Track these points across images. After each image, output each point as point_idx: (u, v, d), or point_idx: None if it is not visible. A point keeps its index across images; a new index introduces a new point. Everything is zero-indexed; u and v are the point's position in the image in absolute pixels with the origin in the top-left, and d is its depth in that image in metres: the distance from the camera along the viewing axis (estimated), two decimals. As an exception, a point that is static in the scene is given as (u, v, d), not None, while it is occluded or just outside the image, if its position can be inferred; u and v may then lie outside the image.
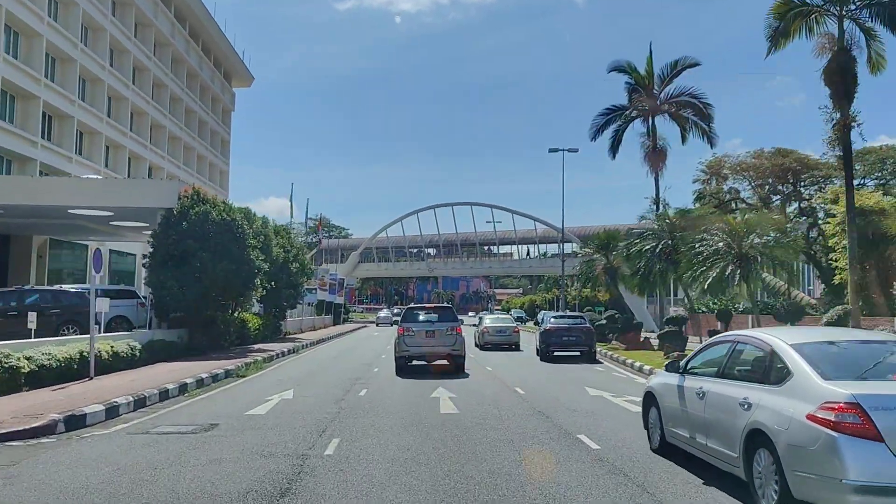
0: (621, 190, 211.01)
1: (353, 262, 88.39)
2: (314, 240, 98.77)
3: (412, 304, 31.75)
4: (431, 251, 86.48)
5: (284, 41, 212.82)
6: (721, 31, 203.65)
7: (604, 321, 32.87)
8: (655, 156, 36.42)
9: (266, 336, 31.60)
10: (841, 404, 5.29)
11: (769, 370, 6.36)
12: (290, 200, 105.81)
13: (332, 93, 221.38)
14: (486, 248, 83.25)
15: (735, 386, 6.74)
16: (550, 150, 47.18)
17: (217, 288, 22.69)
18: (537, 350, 26.19)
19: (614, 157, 39.11)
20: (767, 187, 45.48)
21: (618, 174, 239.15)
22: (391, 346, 22.37)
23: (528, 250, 79.41)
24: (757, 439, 6.01)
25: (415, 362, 19.38)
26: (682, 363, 8.20)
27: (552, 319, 26.89)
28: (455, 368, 18.73)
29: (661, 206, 37.31)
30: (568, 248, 76.72)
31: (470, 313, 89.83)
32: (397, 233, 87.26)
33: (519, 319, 59.80)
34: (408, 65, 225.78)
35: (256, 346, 26.73)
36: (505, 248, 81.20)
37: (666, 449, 8.24)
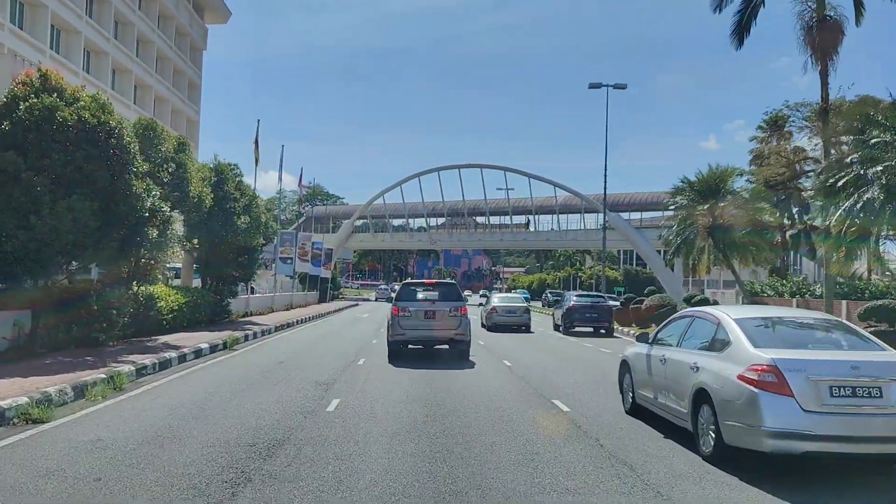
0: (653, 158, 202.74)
1: (345, 232, 78.42)
2: (304, 208, 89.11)
3: (409, 280, 28.04)
4: (434, 221, 76.48)
5: (282, 13, 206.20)
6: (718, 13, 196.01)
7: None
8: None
9: (197, 321, 21.84)
10: (763, 366, 6.61)
11: (715, 340, 7.72)
12: (280, 164, 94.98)
13: (332, 67, 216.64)
14: (498, 218, 73.36)
15: (689, 353, 8.08)
16: (591, 86, 37.52)
17: (67, 239, 12.77)
18: (555, 326, 29.49)
19: (742, 42, 25.00)
20: None
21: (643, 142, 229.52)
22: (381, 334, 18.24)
23: (561, 221, 69.19)
24: (701, 396, 7.35)
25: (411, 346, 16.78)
26: (651, 335, 9.68)
27: (574, 297, 29.44)
28: (458, 355, 16.13)
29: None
30: (591, 220, 66.77)
31: (466, 292, 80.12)
32: (396, 199, 77.26)
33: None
34: (413, 38, 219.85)
35: (161, 341, 16.87)
36: (519, 219, 71.24)
37: (636, 411, 9.51)
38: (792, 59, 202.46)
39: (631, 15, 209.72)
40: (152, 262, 16.29)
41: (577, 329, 27.46)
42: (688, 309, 10.52)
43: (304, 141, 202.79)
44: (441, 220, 75.99)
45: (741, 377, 6.69)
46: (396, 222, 79.05)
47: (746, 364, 6.76)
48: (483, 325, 28.68)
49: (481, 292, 73.09)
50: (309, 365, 15.26)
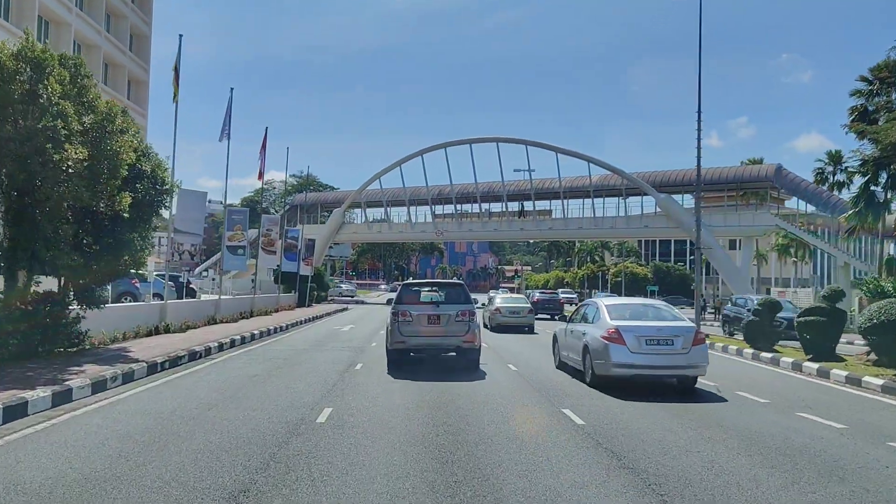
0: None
1: (335, 222, 66.39)
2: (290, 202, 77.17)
3: (410, 280, 24.49)
4: (441, 209, 64.34)
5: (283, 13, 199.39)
6: (722, 10, 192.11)
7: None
8: None
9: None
10: (611, 329, 11.97)
11: (595, 316, 13.07)
12: (286, 167, 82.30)
13: (331, 66, 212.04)
14: (517, 204, 61.11)
15: (582, 326, 13.56)
16: None
17: None
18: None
19: None
20: None
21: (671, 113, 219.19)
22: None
23: (596, 206, 57.08)
24: (586, 349, 12.65)
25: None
26: (568, 317, 15.82)
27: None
28: (466, 365, 14.37)
29: None
30: (634, 204, 54.69)
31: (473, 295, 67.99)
32: (395, 183, 65.33)
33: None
34: (413, 41, 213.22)
35: None
36: (541, 206, 59.14)
37: (562, 366, 14.90)
38: (791, 56, 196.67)
39: (625, 9, 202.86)
40: None
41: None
42: (588, 300, 15.59)
43: (304, 139, 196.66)
44: (448, 209, 63.88)
45: (602, 336, 12.11)
46: (396, 211, 66.99)
47: (605, 329, 12.18)
48: (486, 326, 27.12)
49: (490, 293, 61.61)
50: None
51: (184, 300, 24.54)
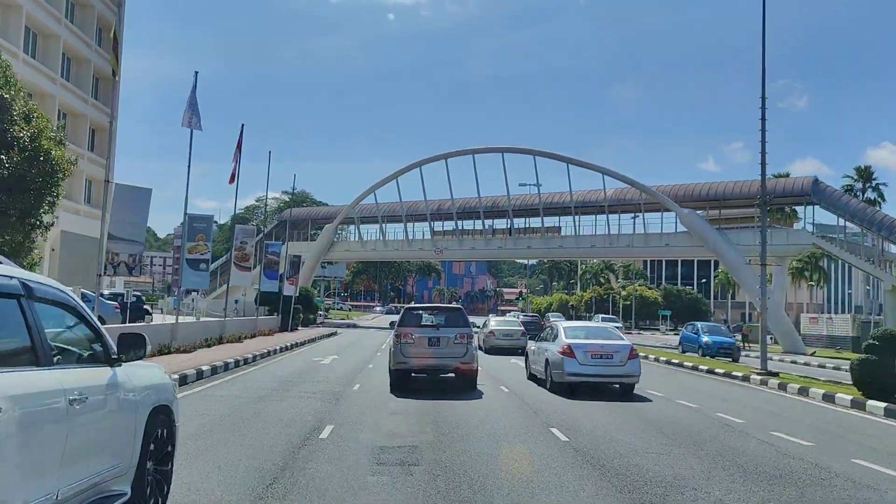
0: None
1: (326, 239, 61.48)
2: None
3: (412, 304, 23.13)
4: (441, 226, 59.40)
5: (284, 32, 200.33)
6: (718, 33, 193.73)
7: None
8: None
9: None
10: (565, 346, 15.01)
11: (554, 336, 16.11)
12: (293, 186, 78.07)
13: (331, 86, 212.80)
14: (523, 220, 56.25)
15: (545, 343, 16.59)
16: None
17: None
18: None
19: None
20: None
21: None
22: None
23: (614, 222, 52.35)
24: (547, 362, 15.92)
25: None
26: (538, 337, 18.71)
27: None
28: (463, 385, 15.19)
29: None
30: (654, 221, 49.98)
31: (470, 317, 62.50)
32: (392, 197, 60.55)
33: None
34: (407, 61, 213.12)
35: None
36: (550, 222, 54.14)
37: (531, 377, 17.80)
38: (787, 82, 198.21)
39: (624, 33, 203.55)
40: None
41: None
42: (551, 323, 21.87)
43: (301, 158, 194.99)
44: (448, 225, 59.03)
45: (559, 351, 15.14)
46: (392, 227, 62.13)
47: (561, 346, 15.23)
48: (481, 348, 25.48)
49: (490, 317, 56.33)
50: None
51: (121, 326, 19.62)
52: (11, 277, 3.75)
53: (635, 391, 15.25)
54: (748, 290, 45.30)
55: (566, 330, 16.21)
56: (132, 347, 4.79)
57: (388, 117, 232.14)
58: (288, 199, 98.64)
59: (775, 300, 43.61)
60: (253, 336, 31.98)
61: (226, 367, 17.87)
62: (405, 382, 14.79)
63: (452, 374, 15.41)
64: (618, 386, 15.34)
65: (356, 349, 27.18)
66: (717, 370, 22.49)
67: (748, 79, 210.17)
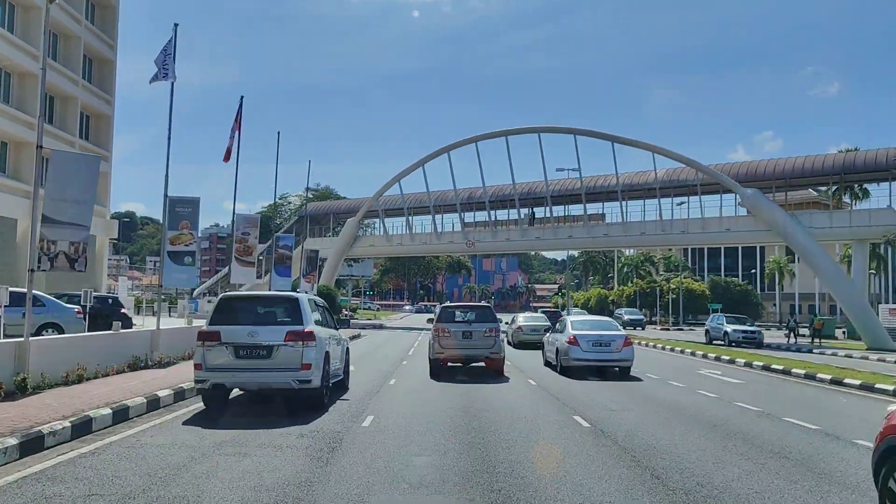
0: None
1: (349, 234, 57.11)
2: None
3: (447, 303, 26.85)
4: (472, 216, 54.60)
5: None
6: (746, 23, 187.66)
7: None
8: None
9: None
10: (571, 336, 18.08)
11: (563, 329, 19.21)
12: (307, 181, 74.65)
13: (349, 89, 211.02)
14: (563, 208, 51.19)
15: (557, 334, 19.74)
16: None
17: None
18: None
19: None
20: None
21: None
22: None
23: (665, 206, 47.05)
24: (557, 349, 18.76)
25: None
26: (552, 329, 22.33)
27: None
28: (494, 372, 17.56)
29: None
30: (712, 204, 44.78)
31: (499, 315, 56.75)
32: (417, 187, 56.00)
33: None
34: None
35: None
36: (593, 209, 49.04)
37: (546, 363, 20.72)
38: (816, 69, 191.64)
39: (653, 27, 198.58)
40: None
41: None
42: (563, 317, 24.22)
43: (325, 159, 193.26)
44: (480, 216, 54.24)
45: (566, 341, 18.02)
46: (419, 220, 57.55)
47: (568, 336, 18.06)
48: (510, 343, 29.26)
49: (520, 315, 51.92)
50: None
51: (81, 336, 15.24)
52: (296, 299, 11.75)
53: (632, 373, 18.24)
54: (825, 278, 39.86)
55: (573, 323, 19.41)
56: (341, 327, 17.85)
57: (412, 116, 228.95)
58: (312, 197, 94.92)
59: (857, 288, 38.19)
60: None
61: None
62: (442, 370, 17.38)
63: (483, 364, 17.69)
64: (617, 369, 18.41)
65: (375, 359, 22.61)
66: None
67: (776, 67, 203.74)
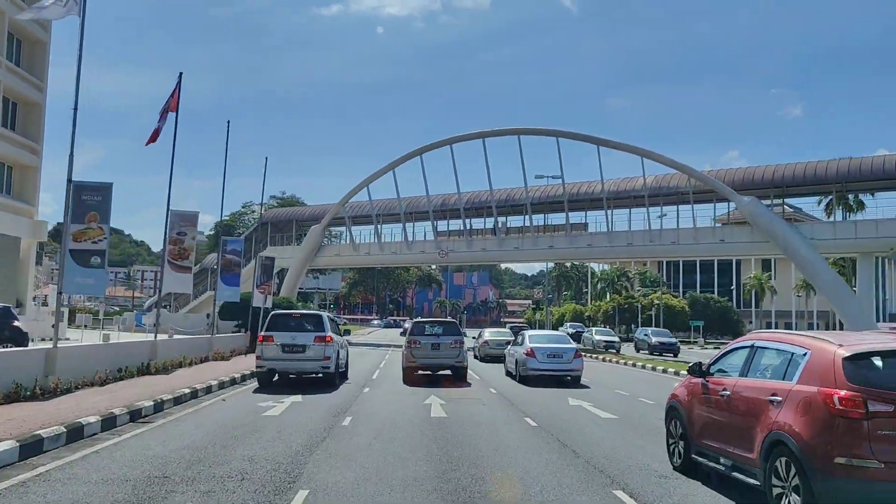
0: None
1: (312, 242, 53.03)
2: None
3: (418, 319, 29.68)
4: (446, 225, 50.98)
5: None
6: (713, 43, 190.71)
7: None
8: None
9: None
10: (529, 349, 20.51)
11: (522, 342, 21.69)
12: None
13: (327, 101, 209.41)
14: (542, 217, 47.58)
15: (516, 347, 22.61)
16: None
17: None
18: None
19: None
20: None
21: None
22: None
23: (654, 215, 43.75)
24: (516, 361, 21.33)
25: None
26: (515, 341, 24.34)
27: None
28: (457, 378, 19.95)
29: None
30: (704, 214, 41.73)
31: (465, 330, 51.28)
32: (388, 194, 52.17)
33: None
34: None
35: None
36: (576, 218, 45.61)
37: (507, 374, 22.94)
38: (780, 91, 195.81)
39: (617, 47, 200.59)
40: None
41: None
42: (522, 332, 24.64)
43: (297, 174, 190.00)
44: (455, 224, 50.57)
45: (524, 353, 20.45)
46: (389, 228, 53.69)
47: (526, 348, 20.55)
48: (476, 357, 31.40)
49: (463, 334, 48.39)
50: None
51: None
52: (320, 315, 18.71)
53: (581, 381, 20.50)
54: (828, 293, 36.86)
55: (530, 337, 21.72)
56: (344, 335, 25.55)
57: (384, 129, 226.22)
58: (276, 205, 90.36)
59: (863, 305, 35.22)
60: (205, 360, 23.66)
61: (80, 432, 9.54)
62: (413, 376, 19.75)
63: (449, 371, 20.07)
64: (569, 378, 20.33)
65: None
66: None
67: (741, 88, 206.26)
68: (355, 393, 16.47)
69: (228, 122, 27.43)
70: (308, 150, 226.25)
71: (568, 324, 66.79)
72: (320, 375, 17.43)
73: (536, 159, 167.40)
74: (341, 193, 51.57)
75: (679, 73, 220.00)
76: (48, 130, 34.96)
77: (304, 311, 21.74)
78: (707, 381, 8.06)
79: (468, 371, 20.77)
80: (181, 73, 21.67)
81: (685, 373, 29.89)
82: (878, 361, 6.14)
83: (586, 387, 19.55)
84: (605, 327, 60.63)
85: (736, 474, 7.04)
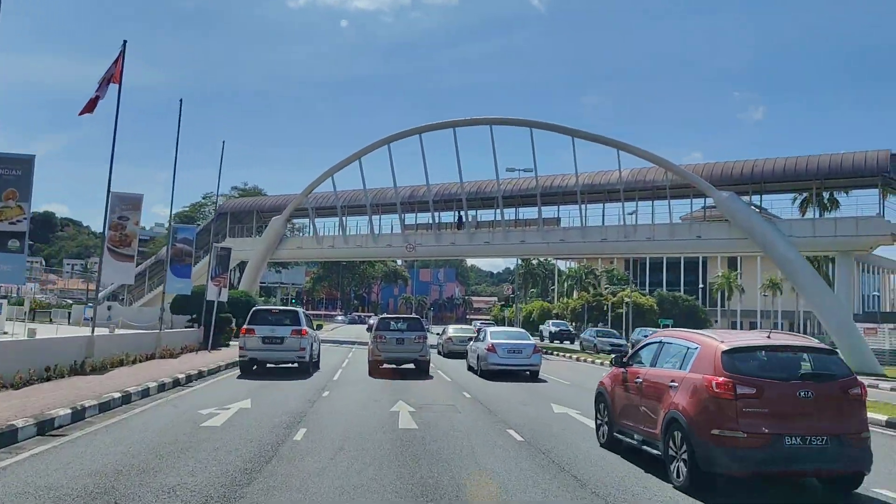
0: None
1: (274, 233, 50.72)
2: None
3: (384, 315, 32.22)
4: (413, 219, 49.02)
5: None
6: (677, 47, 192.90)
7: None
8: None
9: None
10: (490, 344, 21.28)
11: (483, 338, 22.53)
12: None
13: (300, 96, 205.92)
14: (513, 211, 45.99)
15: (477, 343, 23.31)
16: None
17: None
18: None
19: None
20: None
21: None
22: None
23: (629, 209, 42.43)
24: (478, 356, 22.10)
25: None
26: (477, 337, 24.56)
27: None
28: (420, 372, 20.90)
29: None
30: (680, 208, 40.54)
31: (433, 329, 47.85)
32: (354, 184, 50.20)
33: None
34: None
35: None
36: (548, 213, 44.01)
37: (469, 369, 23.50)
38: (742, 94, 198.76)
39: (583, 45, 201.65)
40: None
41: None
42: (480, 329, 26.30)
43: (262, 165, 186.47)
44: (423, 217, 48.72)
45: (485, 348, 21.19)
46: (355, 221, 51.67)
47: (487, 344, 21.30)
48: (439, 353, 31.88)
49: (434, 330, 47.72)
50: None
51: None
52: (297, 311, 20.73)
53: (539, 376, 21.83)
54: (806, 293, 35.88)
55: (491, 333, 22.64)
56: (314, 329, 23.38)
57: (351, 125, 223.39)
58: (237, 196, 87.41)
59: (842, 305, 34.32)
60: (150, 358, 21.56)
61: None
62: (379, 369, 20.87)
63: (412, 365, 21.37)
64: (528, 373, 21.50)
65: (282, 391, 16.97)
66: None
67: (703, 90, 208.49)
68: (313, 398, 14.64)
69: (181, 100, 25.23)
70: (272, 142, 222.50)
71: (551, 322, 65.88)
72: (296, 364, 19.60)
73: (509, 152, 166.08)
74: (305, 186, 49.36)
75: (643, 74, 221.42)
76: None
77: (283, 308, 23.99)
78: (626, 371, 9.38)
79: (431, 365, 21.63)
80: (125, 42, 19.44)
81: (601, 362, 27.59)
82: (747, 355, 7.52)
83: (543, 380, 21.15)
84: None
85: (645, 447, 8.48)
